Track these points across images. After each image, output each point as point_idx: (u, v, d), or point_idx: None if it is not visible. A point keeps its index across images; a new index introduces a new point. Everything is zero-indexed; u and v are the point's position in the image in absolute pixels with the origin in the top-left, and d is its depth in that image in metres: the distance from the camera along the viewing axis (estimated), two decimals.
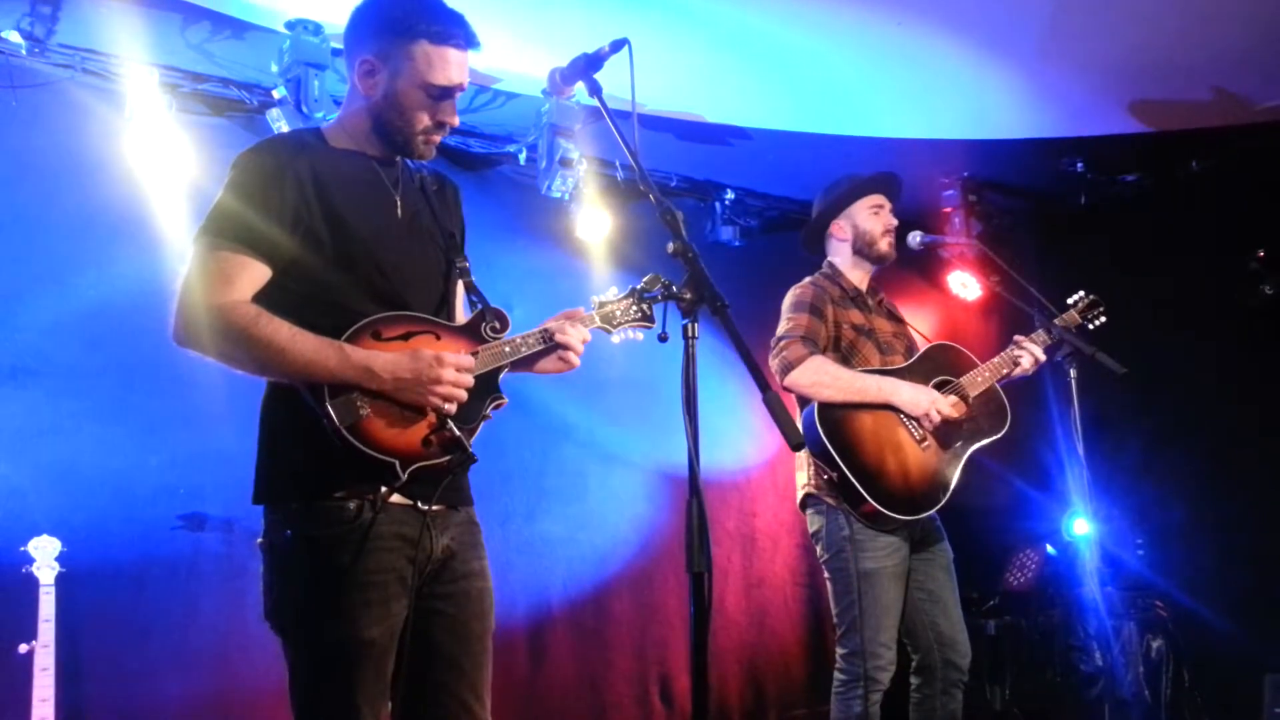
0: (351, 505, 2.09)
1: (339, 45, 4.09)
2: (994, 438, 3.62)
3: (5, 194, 3.88)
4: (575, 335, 2.33)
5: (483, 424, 2.24)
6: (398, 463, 2.09)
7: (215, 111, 4.34)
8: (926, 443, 3.51)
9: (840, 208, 3.78)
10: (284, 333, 2.06)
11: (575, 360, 2.35)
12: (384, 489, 2.11)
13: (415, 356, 2.10)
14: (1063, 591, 5.42)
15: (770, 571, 5.73)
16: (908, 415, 3.50)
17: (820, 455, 3.45)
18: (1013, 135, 5.29)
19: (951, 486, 3.49)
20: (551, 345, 2.31)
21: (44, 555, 3.54)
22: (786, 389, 3.49)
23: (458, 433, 2.13)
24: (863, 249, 3.75)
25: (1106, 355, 3.72)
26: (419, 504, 2.16)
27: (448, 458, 2.15)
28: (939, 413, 3.47)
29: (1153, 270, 5.49)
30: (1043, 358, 3.70)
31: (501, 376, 2.29)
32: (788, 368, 3.48)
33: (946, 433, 3.53)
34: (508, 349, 2.27)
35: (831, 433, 3.41)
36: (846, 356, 3.61)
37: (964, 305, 6.11)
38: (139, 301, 3.89)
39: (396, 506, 2.14)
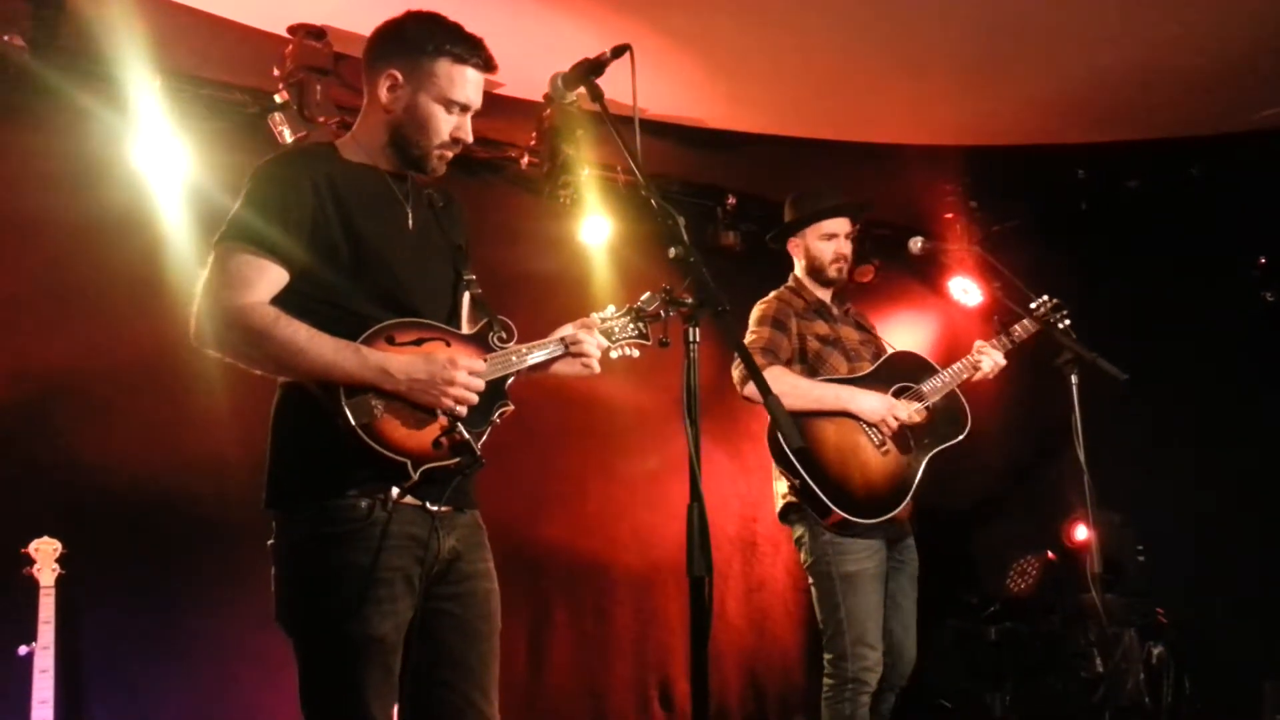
0: (363, 504, 2.14)
1: (342, 50, 4.12)
2: (953, 442, 3.73)
3: (7, 197, 3.88)
4: (592, 344, 2.44)
5: (489, 430, 2.29)
6: (409, 462, 2.14)
7: (217, 116, 4.33)
8: (886, 448, 3.63)
9: (796, 229, 3.93)
10: (302, 334, 2.12)
11: (596, 367, 2.47)
12: (395, 489, 2.15)
13: (429, 359, 2.18)
14: (1064, 598, 5.41)
15: (771, 576, 5.72)
16: (867, 422, 3.62)
17: (783, 463, 3.59)
18: (1014, 141, 5.29)
19: (913, 489, 3.63)
20: (568, 353, 2.42)
21: (44, 557, 3.54)
22: (747, 399, 3.62)
23: (467, 435, 2.19)
24: (813, 272, 3.90)
25: (1107, 361, 3.79)
26: (427, 504, 2.20)
27: (457, 460, 2.19)
28: (896, 418, 3.61)
29: (1154, 276, 5.49)
30: (1003, 362, 3.85)
31: (511, 381, 2.35)
32: (746, 379, 3.59)
33: (906, 438, 3.66)
34: (514, 358, 2.34)
35: (792, 441, 3.50)
36: (814, 366, 3.74)
37: (965, 311, 6.10)
38: (140, 304, 3.91)
39: (406, 507, 2.18)
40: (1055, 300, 3.96)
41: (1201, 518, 5.38)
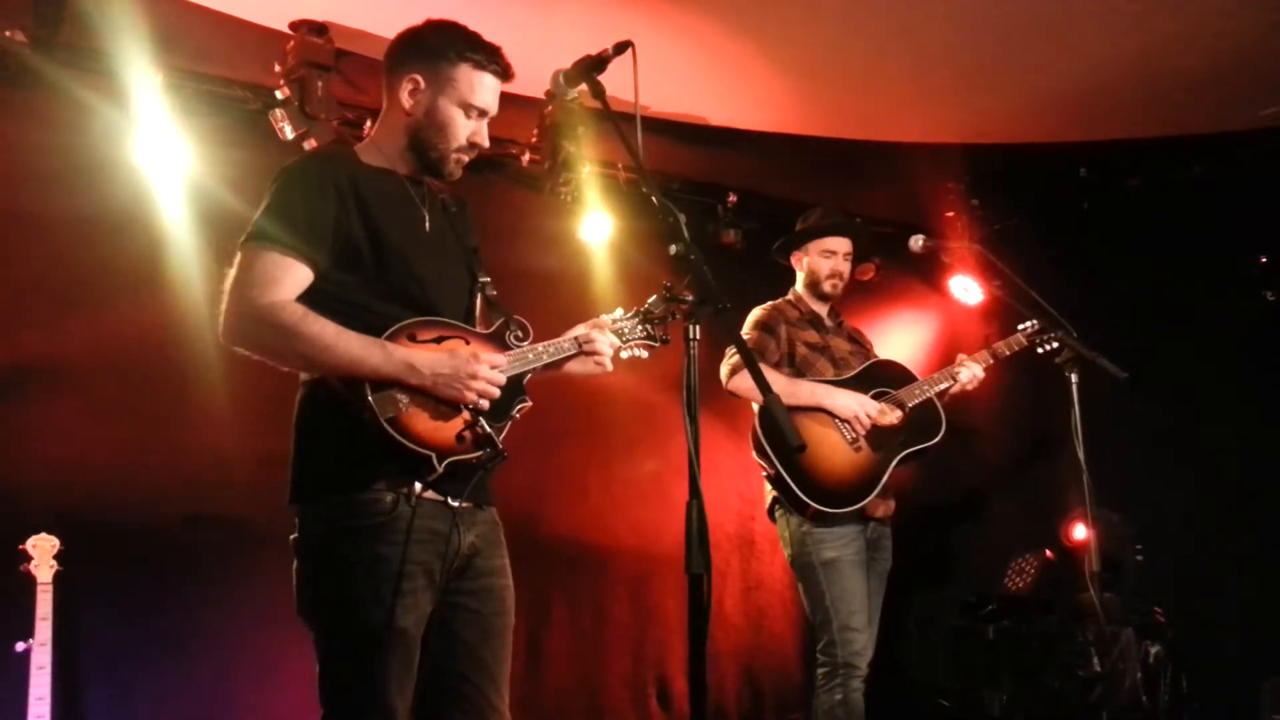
0: (388, 498, 2.20)
1: (343, 47, 4.11)
2: (925, 445, 3.92)
3: (7, 193, 3.88)
4: (605, 343, 2.51)
5: (509, 425, 2.35)
6: (434, 455, 2.19)
7: (218, 112, 4.33)
8: (858, 444, 3.84)
9: (799, 243, 4.19)
10: (330, 330, 2.18)
11: (609, 365, 2.54)
12: (419, 483, 2.21)
13: (454, 354, 2.25)
14: (1062, 596, 5.41)
15: (769, 574, 5.72)
16: (841, 419, 3.83)
17: (760, 454, 3.82)
18: (1015, 139, 5.29)
19: (881, 484, 3.82)
20: (581, 352, 2.49)
21: (42, 554, 3.54)
22: (730, 392, 3.87)
23: (489, 429, 2.24)
24: (811, 285, 4.16)
25: (1107, 360, 3.86)
26: (449, 500, 2.26)
27: (480, 453, 2.25)
28: (868, 416, 3.83)
29: (1154, 275, 5.49)
30: (982, 375, 4.04)
31: (527, 379, 2.41)
32: (732, 373, 3.86)
33: (879, 437, 3.87)
34: (530, 355, 2.40)
35: (769, 432, 3.78)
36: (801, 370, 3.99)
37: (965, 309, 6.09)
38: (140, 301, 3.91)
39: (428, 502, 2.24)
40: (1040, 324, 4.11)
41: (1199, 517, 5.37)
